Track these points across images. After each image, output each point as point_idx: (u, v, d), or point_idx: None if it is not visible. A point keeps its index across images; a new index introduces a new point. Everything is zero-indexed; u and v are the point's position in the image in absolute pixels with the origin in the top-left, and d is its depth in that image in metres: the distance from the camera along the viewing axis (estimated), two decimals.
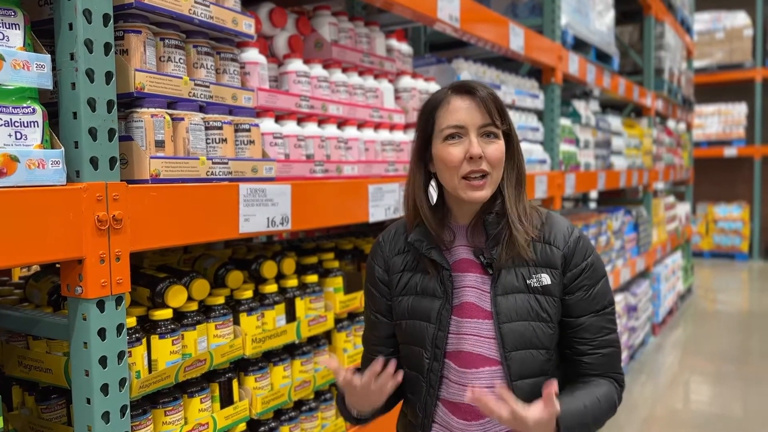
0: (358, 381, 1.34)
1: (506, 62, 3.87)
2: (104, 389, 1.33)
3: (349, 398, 1.43)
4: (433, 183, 1.48)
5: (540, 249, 1.40)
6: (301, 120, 2.06)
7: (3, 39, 1.23)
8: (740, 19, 10.72)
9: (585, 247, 1.42)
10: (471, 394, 1.25)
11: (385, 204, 2.20)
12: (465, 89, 1.38)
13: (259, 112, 1.89)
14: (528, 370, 1.37)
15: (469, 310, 1.40)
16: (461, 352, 1.39)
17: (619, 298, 5.10)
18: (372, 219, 2.14)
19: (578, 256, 1.40)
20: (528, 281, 1.38)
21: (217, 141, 1.66)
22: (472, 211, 1.43)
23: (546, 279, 1.38)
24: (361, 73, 2.38)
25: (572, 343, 1.42)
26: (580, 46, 4.35)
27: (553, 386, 1.23)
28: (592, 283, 1.41)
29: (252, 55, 1.89)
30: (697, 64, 10.69)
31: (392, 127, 2.46)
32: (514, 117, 3.44)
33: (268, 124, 1.89)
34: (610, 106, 6.22)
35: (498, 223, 1.38)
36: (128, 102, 1.49)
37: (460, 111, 1.36)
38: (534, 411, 1.22)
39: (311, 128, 2.05)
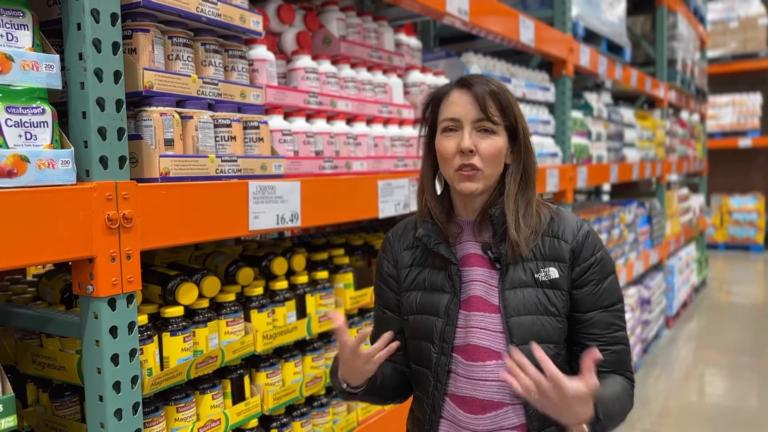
0: (360, 349, 1.33)
1: (516, 55, 3.85)
2: (116, 387, 1.34)
3: (343, 367, 1.41)
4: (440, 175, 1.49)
5: (548, 243, 1.40)
6: (309, 116, 2.06)
7: (12, 40, 1.24)
8: (754, 7, 10.59)
9: (594, 243, 1.41)
10: (509, 362, 1.22)
11: (395, 199, 2.20)
12: (464, 83, 1.39)
13: (268, 109, 1.89)
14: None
15: (477, 304, 1.40)
16: (468, 345, 1.39)
17: (632, 291, 5.07)
18: (382, 215, 2.13)
19: (587, 251, 1.40)
20: (536, 275, 1.38)
21: (226, 139, 1.66)
22: (474, 206, 1.44)
23: (554, 272, 1.38)
24: (369, 69, 2.37)
25: (581, 339, 1.41)
26: (591, 37, 4.31)
27: (593, 353, 1.17)
28: (601, 278, 1.40)
29: (260, 52, 1.89)
30: (711, 54, 10.57)
31: (401, 123, 2.45)
32: (525, 110, 3.42)
33: (276, 121, 1.89)
34: (622, 97, 6.17)
35: (503, 219, 1.39)
36: (137, 101, 1.50)
37: (457, 105, 1.38)
38: (573, 381, 1.18)
39: (320, 125, 2.05)
